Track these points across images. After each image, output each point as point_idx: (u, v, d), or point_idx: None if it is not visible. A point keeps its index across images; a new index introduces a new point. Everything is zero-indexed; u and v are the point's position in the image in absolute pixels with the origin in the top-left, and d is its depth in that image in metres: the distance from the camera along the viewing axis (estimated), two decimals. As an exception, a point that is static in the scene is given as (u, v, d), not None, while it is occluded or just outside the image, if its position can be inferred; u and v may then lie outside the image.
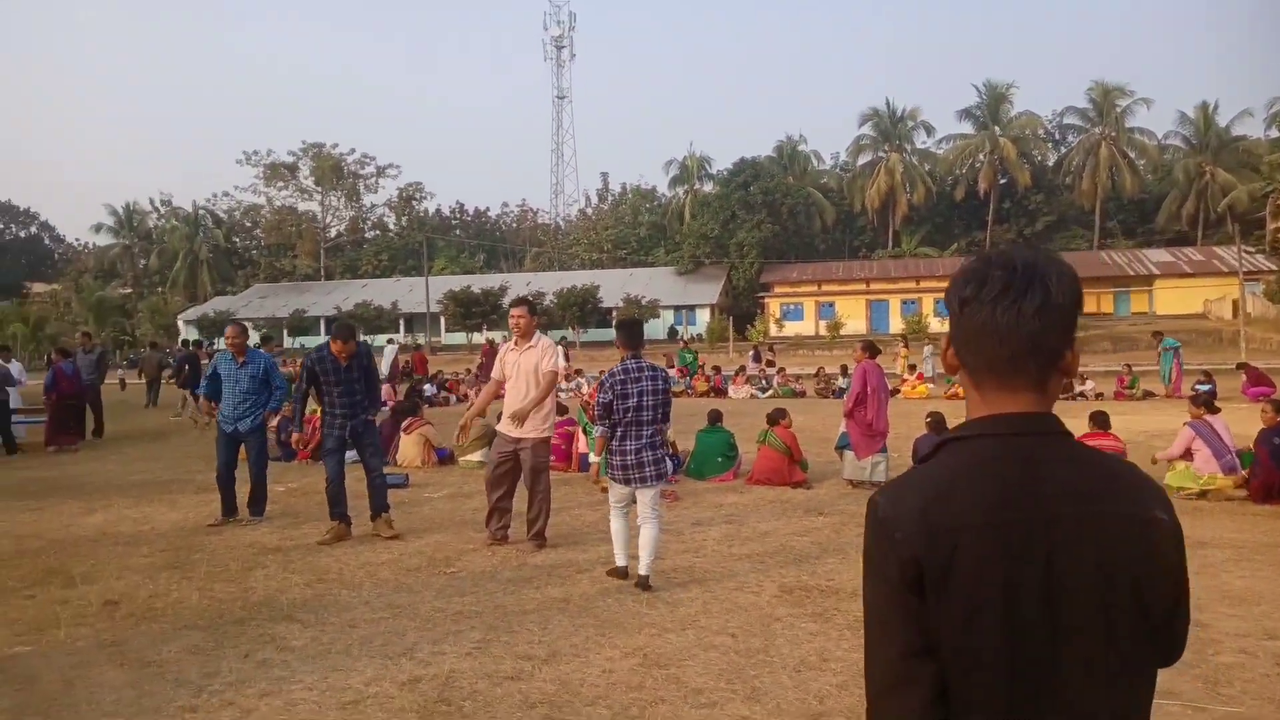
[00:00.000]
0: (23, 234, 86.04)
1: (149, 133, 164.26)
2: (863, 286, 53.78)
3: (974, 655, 1.24)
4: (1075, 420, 15.59)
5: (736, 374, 24.24)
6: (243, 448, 8.10)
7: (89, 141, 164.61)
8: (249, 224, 75.59)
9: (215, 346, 50.97)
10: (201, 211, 73.76)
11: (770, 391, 23.25)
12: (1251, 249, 48.60)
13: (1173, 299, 49.10)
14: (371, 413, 7.60)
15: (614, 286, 54.59)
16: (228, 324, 8.22)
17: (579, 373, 24.69)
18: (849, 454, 9.89)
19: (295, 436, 9.58)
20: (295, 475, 10.70)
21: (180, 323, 59.02)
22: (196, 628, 5.28)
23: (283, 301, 62.77)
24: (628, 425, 5.96)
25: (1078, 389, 20.54)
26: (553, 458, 10.64)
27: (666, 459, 7.17)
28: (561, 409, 11.01)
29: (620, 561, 6.22)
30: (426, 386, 22.07)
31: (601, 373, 7.58)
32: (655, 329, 49.04)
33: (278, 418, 10.40)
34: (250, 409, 7.97)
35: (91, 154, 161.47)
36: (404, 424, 11.93)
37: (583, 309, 50.21)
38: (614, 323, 6.74)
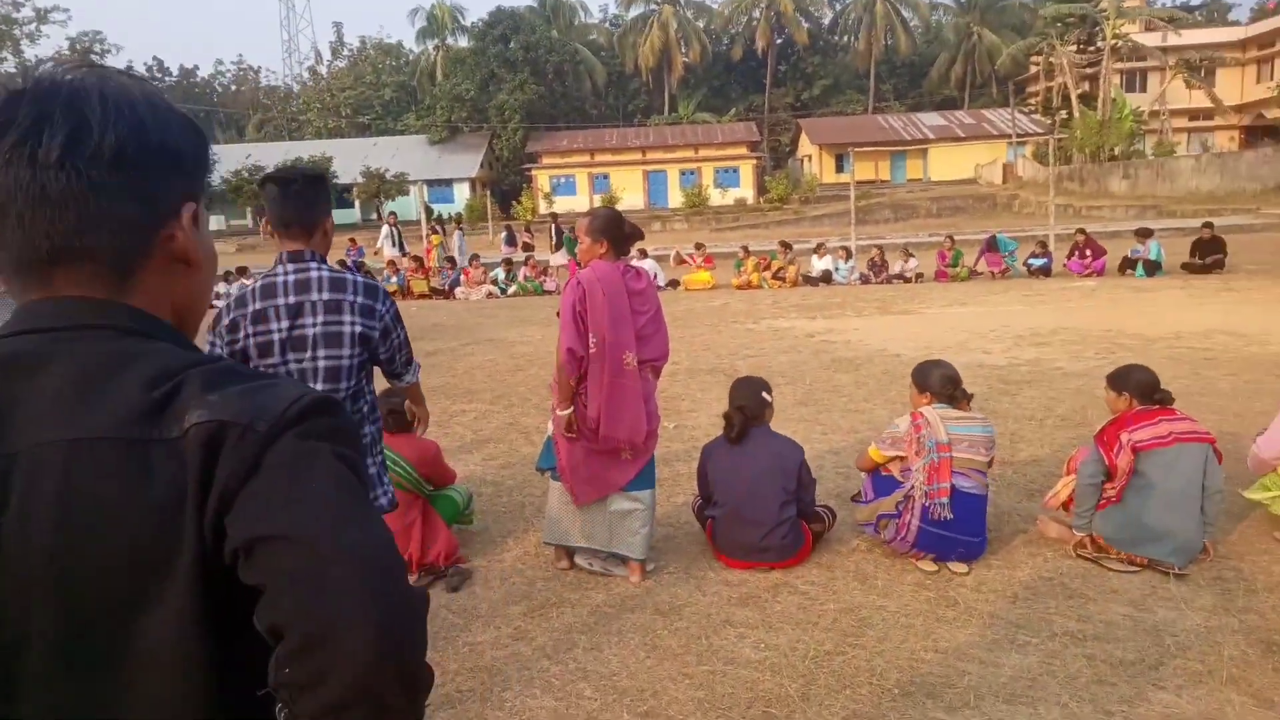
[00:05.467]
0: None
1: None
2: (639, 156, 48.87)
3: None
4: (886, 319, 12.05)
5: (470, 262, 18.33)
6: None
7: None
8: None
9: None
10: None
11: (513, 289, 17.65)
12: (1026, 110, 48.29)
13: (946, 164, 48.00)
14: None
15: (351, 157, 46.20)
16: None
17: (243, 271, 17.82)
18: (554, 487, 4.05)
19: None
20: None
21: None
22: None
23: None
24: None
25: (897, 268, 16.68)
26: None
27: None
28: None
29: None
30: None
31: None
32: (404, 208, 41.84)
33: None
34: None
35: None
36: None
37: (312, 186, 41.72)
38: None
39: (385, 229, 19.97)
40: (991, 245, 16.50)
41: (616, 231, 3.86)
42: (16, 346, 0.86)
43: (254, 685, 0.81)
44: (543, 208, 43.89)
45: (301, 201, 2.68)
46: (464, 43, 54.97)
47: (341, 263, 14.98)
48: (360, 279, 2.76)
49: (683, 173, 47.36)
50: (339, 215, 38.08)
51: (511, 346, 10.69)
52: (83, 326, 0.87)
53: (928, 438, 3.85)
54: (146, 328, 0.89)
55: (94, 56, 60.45)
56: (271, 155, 46.32)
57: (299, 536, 0.77)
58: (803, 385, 7.74)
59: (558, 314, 3.98)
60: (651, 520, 3.95)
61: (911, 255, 16.91)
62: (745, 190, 46.66)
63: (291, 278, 2.64)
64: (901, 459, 4.01)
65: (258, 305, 2.63)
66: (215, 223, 46.72)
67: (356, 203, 46.61)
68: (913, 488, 3.84)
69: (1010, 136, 46.13)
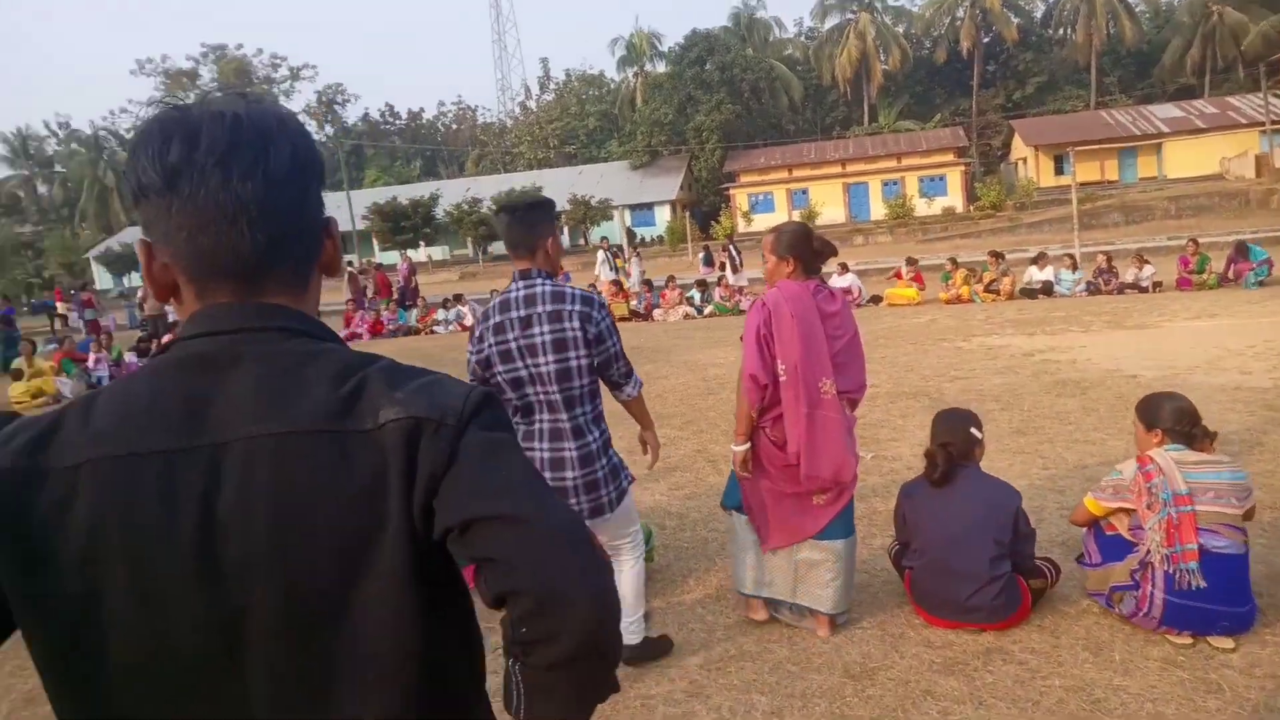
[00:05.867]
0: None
1: (30, 44, 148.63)
2: (838, 169, 47.61)
3: (92, 668, 0.87)
4: (1119, 335, 10.66)
5: (666, 285, 18.31)
6: None
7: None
8: (157, 144, 67.87)
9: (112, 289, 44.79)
10: (102, 133, 65.93)
11: (709, 309, 17.45)
12: (1281, 93, 42.85)
13: (1184, 159, 43.19)
14: None
15: (559, 186, 48.23)
16: None
17: (459, 299, 18.79)
18: (739, 526, 3.76)
19: None
20: None
21: (92, 260, 52.44)
22: None
23: (199, 229, 56.23)
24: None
25: (1129, 277, 15.02)
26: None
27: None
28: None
29: None
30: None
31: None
32: (610, 233, 43.16)
33: None
34: None
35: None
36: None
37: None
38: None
39: (601, 255, 20.43)
40: (1241, 251, 14.50)
41: (804, 248, 3.55)
42: (205, 346, 0.94)
43: (448, 642, 0.95)
44: (741, 226, 43.79)
45: (524, 226, 3.04)
46: (661, 68, 56.07)
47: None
48: (578, 290, 3.09)
49: (885, 183, 45.67)
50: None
51: (704, 369, 10.52)
52: (259, 329, 0.95)
53: (1161, 488, 3.23)
54: (312, 329, 0.99)
55: (336, 106, 67.24)
56: (488, 188, 49.29)
57: (516, 516, 0.87)
58: (1020, 411, 7.00)
59: (741, 338, 3.73)
60: (846, 571, 3.56)
61: (1147, 262, 15.17)
62: (953, 198, 44.29)
63: (521, 293, 3.01)
64: (1129, 512, 3.40)
65: (497, 318, 3.01)
66: (440, 253, 50.20)
67: (565, 229, 48.55)
68: (1149, 551, 3.23)
69: (1263, 125, 40.84)
